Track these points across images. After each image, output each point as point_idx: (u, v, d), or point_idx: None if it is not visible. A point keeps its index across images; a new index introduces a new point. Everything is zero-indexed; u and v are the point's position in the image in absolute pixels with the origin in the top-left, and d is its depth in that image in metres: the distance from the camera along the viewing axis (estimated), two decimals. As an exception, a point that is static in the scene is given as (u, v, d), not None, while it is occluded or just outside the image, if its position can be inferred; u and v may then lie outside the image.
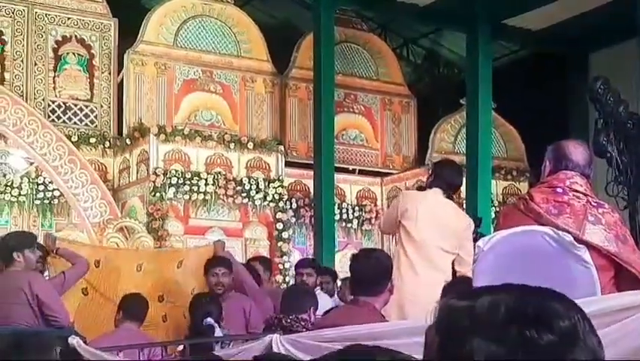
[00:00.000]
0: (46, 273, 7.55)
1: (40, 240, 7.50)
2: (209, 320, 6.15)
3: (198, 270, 8.08)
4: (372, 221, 14.40)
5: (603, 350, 1.26)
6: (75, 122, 12.97)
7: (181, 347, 6.46)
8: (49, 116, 12.63)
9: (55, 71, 12.96)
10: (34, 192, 12.50)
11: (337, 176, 13.51)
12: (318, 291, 8.13)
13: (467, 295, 1.28)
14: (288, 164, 13.73)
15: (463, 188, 13.83)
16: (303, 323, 5.44)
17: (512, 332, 1.20)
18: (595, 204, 3.97)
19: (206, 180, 12.60)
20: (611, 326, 2.87)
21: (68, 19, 13.13)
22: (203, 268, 7.55)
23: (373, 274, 4.79)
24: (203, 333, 6.19)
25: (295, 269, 8.60)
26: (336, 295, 8.87)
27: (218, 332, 6.02)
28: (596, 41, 14.58)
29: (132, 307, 6.73)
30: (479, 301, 1.25)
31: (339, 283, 9.38)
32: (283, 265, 12.95)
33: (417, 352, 1.42)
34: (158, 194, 12.30)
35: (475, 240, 6.65)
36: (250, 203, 13.03)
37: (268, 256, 11.23)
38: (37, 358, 3.29)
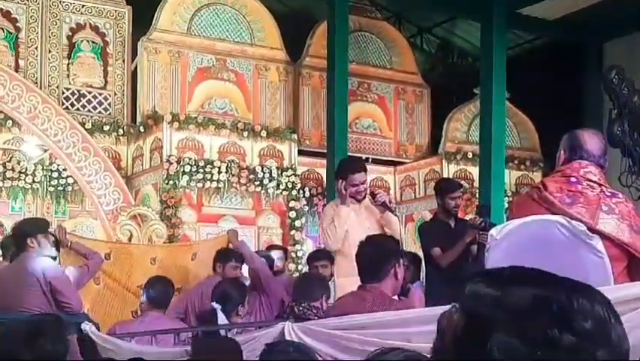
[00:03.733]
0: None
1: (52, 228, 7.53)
2: (214, 303, 6.15)
3: (211, 260, 8.10)
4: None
5: (627, 338, 1.27)
6: (89, 110, 12.98)
7: None
8: (63, 104, 12.65)
9: (69, 59, 12.95)
10: (48, 180, 12.51)
11: (350, 165, 13.46)
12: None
13: (496, 282, 1.26)
14: (301, 152, 13.71)
15: (476, 177, 13.87)
16: (315, 311, 5.44)
17: (535, 330, 1.19)
18: (609, 194, 3.96)
19: (219, 168, 12.60)
20: (623, 316, 2.86)
21: (82, 6, 13.12)
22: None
23: (375, 258, 4.79)
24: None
25: (309, 262, 8.49)
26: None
27: (221, 317, 6.01)
28: (610, 31, 14.51)
29: (158, 292, 6.68)
30: (506, 293, 1.24)
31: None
32: (296, 253, 12.96)
33: (427, 340, 1.42)
34: (171, 182, 12.31)
35: (485, 229, 6.70)
36: (263, 191, 13.03)
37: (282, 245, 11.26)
38: (54, 343, 3.29)
